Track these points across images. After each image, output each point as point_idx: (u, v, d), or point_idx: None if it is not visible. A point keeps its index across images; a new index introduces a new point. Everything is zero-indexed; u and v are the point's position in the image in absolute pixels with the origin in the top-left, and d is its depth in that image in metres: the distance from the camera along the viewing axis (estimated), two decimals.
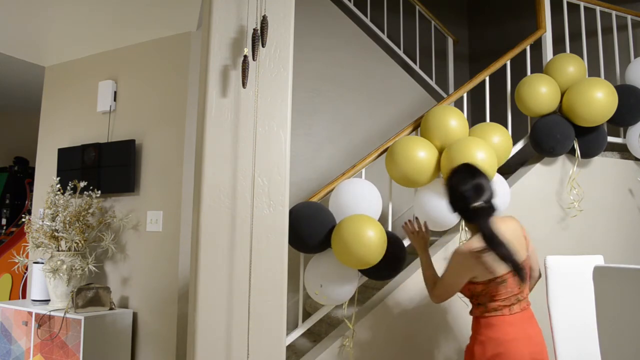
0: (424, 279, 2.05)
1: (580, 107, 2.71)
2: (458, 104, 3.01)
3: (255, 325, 1.87)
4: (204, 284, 1.85)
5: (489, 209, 1.80)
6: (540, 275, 2.06)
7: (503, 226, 1.84)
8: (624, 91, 2.90)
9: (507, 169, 2.83)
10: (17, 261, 2.96)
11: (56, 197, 2.96)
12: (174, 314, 2.88)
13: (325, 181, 3.50)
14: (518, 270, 1.75)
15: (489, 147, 2.33)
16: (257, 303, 1.88)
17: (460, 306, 2.51)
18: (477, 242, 1.78)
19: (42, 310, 2.81)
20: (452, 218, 2.42)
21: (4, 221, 4.79)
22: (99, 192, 3.03)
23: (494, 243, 1.74)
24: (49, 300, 3.02)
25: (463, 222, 1.97)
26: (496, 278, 1.81)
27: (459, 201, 1.84)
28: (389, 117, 3.96)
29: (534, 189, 2.82)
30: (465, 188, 1.81)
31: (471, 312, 1.99)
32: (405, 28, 4.24)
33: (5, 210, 4.81)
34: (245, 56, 1.86)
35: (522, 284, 1.84)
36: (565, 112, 2.80)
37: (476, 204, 1.79)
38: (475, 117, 4.46)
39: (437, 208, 2.38)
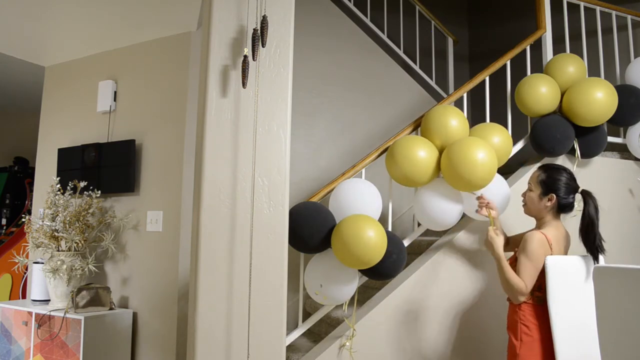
0: (505, 281, 2.05)
1: (580, 107, 2.71)
2: (458, 104, 3.01)
3: (255, 325, 1.87)
4: (204, 284, 1.85)
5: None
6: None
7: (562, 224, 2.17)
8: (624, 91, 2.90)
9: (507, 169, 2.83)
10: (17, 261, 2.97)
11: (56, 197, 2.96)
12: (174, 314, 2.88)
13: (325, 181, 3.50)
14: (599, 250, 2.06)
15: (489, 146, 2.32)
16: (257, 303, 1.88)
17: (460, 306, 2.52)
18: (553, 230, 2.09)
19: (42, 310, 2.81)
20: (452, 218, 2.42)
21: (4, 221, 4.79)
22: (99, 192, 3.03)
23: (594, 226, 2.05)
24: (49, 300, 3.02)
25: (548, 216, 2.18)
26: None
27: (573, 192, 2.13)
28: (389, 117, 3.96)
29: None
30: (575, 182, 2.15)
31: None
32: (405, 28, 4.24)
33: (5, 210, 4.82)
34: (245, 56, 1.86)
35: None
36: (565, 112, 2.80)
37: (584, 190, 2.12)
38: (475, 117, 4.46)
39: (437, 208, 2.38)
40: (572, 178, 2.15)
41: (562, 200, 2.12)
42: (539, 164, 2.85)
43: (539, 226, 2.18)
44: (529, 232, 2.13)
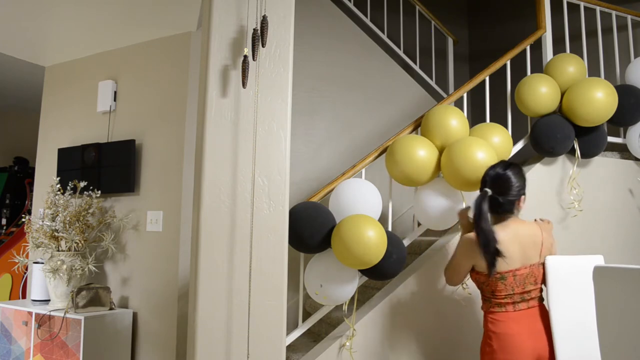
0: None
1: (580, 107, 2.71)
2: (458, 104, 3.01)
3: (255, 325, 1.87)
4: (204, 284, 1.85)
5: (496, 202, 1.91)
6: None
7: (519, 227, 1.96)
8: (624, 91, 2.90)
9: None
10: (17, 261, 2.97)
11: (56, 197, 2.96)
12: (174, 314, 2.88)
13: (325, 181, 3.50)
14: (491, 263, 1.86)
15: (489, 146, 2.33)
16: (257, 303, 1.88)
17: (460, 307, 2.52)
18: (498, 231, 1.88)
19: (42, 310, 2.81)
20: (452, 218, 2.42)
21: (4, 221, 4.79)
22: (99, 192, 3.04)
23: (480, 229, 1.86)
24: (49, 300, 3.03)
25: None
26: (495, 273, 1.90)
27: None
28: (389, 117, 3.96)
29: (534, 189, 2.81)
30: (489, 172, 1.98)
31: (482, 307, 2.06)
32: (405, 28, 4.24)
33: (5, 210, 4.82)
34: (245, 56, 1.87)
35: (504, 281, 1.92)
36: (565, 112, 2.80)
37: (485, 190, 1.92)
38: (475, 117, 4.46)
39: (437, 207, 2.38)
40: (493, 177, 1.95)
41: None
42: (538, 164, 2.86)
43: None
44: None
